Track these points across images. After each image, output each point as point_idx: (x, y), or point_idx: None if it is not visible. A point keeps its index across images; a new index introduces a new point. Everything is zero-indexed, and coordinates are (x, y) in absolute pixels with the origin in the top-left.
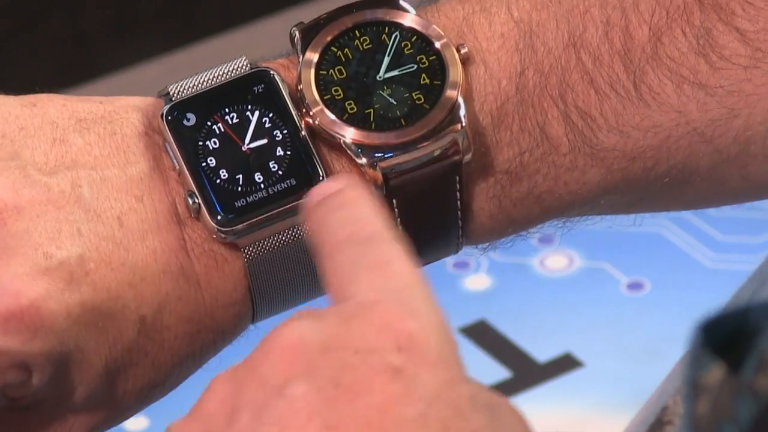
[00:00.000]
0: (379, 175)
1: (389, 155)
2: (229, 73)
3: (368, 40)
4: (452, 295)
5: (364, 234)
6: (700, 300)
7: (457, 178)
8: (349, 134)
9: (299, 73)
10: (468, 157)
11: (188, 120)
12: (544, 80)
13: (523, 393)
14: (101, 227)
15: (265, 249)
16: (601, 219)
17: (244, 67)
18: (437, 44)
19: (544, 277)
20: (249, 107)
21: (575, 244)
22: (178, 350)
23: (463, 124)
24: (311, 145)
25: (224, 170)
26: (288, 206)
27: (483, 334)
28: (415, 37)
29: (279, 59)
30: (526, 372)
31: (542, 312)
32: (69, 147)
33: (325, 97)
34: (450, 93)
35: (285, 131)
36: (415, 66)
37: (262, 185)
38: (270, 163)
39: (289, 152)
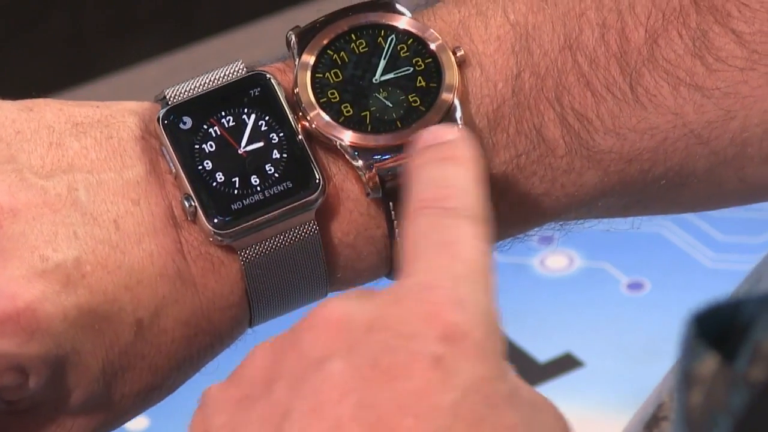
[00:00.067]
0: (376, 178)
1: (386, 157)
2: (226, 77)
3: (364, 43)
4: None
5: (450, 203)
6: (700, 300)
7: None
8: (346, 137)
9: (295, 76)
10: None
11: (185, 123)
12: (541, 83)
13: None
14: (98, 230)
15: (262, 252)
16: (599, 222)
17: (240, 71)
18: (433, 47)
19: (544, 277)
20: (245, 110)
21: (575, 244)
22: (175, 353)
23: (460, 126)
24: (307, 148)
25: (220, 173)
26: (284, 209)
27: None
28: (411, 40)
29: (275, 63)
30: (526, 372)
31: (542, 312)
32: (65, 151)
33: (322, 100)
34: (446, 96)
35: (281, 134)
36: (411, 69)
37: (259, 188)
38: (266, 166)
39: (285, 155)
